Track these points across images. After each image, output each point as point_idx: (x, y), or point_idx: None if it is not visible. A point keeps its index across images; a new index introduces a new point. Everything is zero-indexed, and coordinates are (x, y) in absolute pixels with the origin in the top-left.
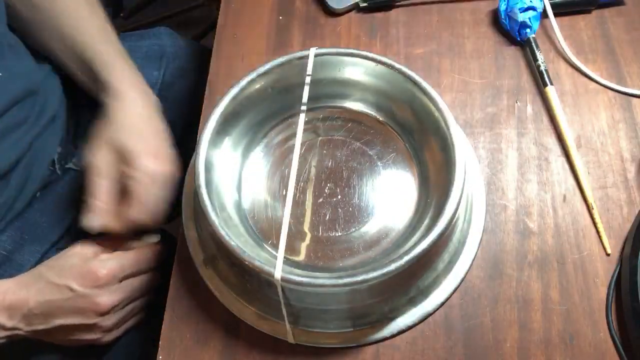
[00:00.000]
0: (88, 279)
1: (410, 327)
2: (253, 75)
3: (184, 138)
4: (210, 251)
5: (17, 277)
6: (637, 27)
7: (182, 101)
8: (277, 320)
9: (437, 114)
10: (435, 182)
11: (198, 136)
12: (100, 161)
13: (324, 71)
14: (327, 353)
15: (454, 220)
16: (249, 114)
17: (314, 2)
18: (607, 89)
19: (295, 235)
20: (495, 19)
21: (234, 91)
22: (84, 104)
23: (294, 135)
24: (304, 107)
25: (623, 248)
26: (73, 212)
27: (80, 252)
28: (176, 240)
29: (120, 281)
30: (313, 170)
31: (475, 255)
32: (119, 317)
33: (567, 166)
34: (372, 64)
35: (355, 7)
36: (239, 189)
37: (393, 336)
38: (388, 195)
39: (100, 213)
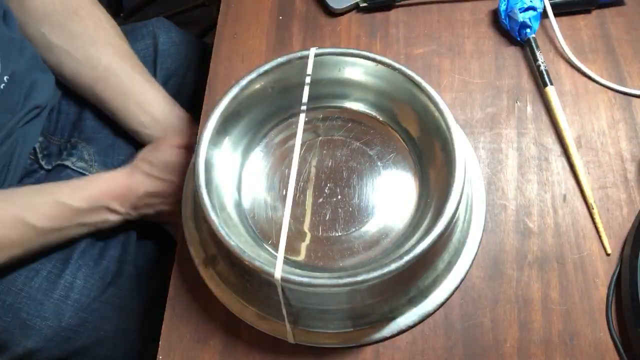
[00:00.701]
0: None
1: (410, 327)
2: (253, 75)
3: None
4: (210, 251)
5: (123, 169)
6: (637, 27)
7: (181, 101)
8: (277, 320)
9: (437, 114)
10: (435, 182)
11: (198, 136)
12: None
13: (324, 71)
14: (327, 353)
15: (454, 221)
16: (249, 114)
17: (314, 2)
18: (607, 89)
19: (295, 235)
20: (495, 19)
21: (234, 91)
22: (75, 100)
23: (294, 135)
24: (304, 107)
25: (623, 248)
26: None
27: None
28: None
29: None
30: (313, 170)
31: (475, 255)
32: None
33: (567, 166)
34: (372, 64)
35: (355, 7)
36: (239, 189)
37: (393, 336)
38: (388, 195)
39: None
